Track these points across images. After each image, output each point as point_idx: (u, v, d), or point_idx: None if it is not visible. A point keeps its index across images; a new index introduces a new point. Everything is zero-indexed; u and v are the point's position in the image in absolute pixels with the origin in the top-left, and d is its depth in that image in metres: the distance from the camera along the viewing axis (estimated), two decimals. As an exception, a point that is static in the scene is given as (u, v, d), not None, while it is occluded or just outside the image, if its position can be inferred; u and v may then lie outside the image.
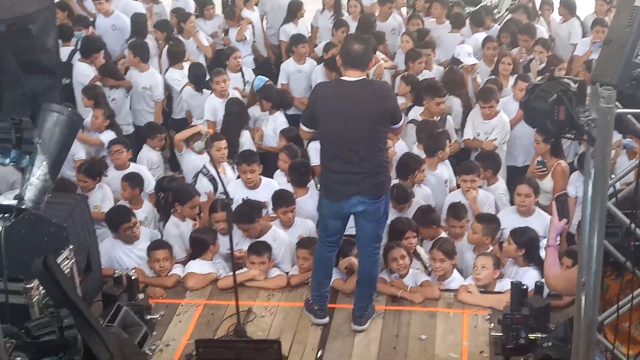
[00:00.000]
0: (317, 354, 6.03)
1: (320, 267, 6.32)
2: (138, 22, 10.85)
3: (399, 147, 8.12)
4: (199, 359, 5.03)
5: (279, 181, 7.85)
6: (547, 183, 7.77)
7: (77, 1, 12.35)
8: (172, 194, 7.45)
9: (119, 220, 7.01)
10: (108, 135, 8.64)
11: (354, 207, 5.91)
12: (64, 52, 9.87)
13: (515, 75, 9.33)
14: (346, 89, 5.80)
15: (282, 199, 7.30)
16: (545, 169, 7.89)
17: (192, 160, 8.25)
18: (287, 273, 6.93)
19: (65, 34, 10.16)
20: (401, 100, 9.29)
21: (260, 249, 6.87)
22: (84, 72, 9.71)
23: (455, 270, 6.75)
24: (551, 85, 3.77)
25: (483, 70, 9.92)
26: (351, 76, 5.79)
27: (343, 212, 5.98)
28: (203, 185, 7.93)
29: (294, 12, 11.36)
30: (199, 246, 6.98)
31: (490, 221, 6.91)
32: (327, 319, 6.35)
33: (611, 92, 3.42)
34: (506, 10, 12.63)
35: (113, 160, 8.10)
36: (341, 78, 5.88)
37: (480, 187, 7.61)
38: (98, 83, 9.55)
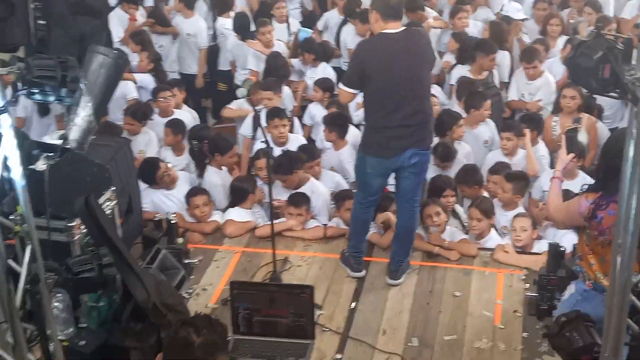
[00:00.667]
0: (350, 305, 6.08)
1: (359, 225, 6.34)
2: None
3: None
4: (232, 300, 5.10)
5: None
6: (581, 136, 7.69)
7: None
8: (211, 144, 7.47)
9: (151, 171, 7.05)
10: (143, 77, 8.68)
11: (408, 160, 5.87)
12: None
13: (566, 38, 9.18)
14: (392, 41, 5.73)
15: (306, 153, 7.36)
16: (579, 125, 7.84)
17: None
18: (324, 225, 6.96)
19: None
20: (449, 58, 9.24)
21: (299, 200, 6.91)
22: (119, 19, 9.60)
23: (492, 230, 6.72)
24: (597, 42, 3.71)
25: (532, 29, 9.77)
26: (393, 28, 5.73)
27: (394, 167, 5.94)
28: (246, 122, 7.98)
29: None
30: (239, 194, 7.04)
31: (519, 179, 6.86)
32: (363, 273, 6.38)
33: (659, 50, 3.36)
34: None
35: (157, 106, 8.15)
36: (383, 32, 5.78)
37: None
38: (146, 28, 9.59)
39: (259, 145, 7.55)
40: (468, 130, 7.79)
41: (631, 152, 3.57)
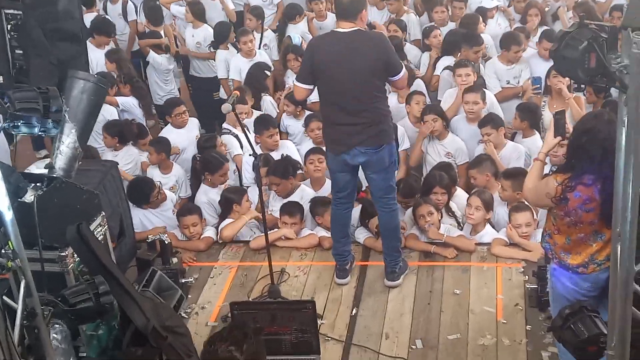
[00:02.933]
0: (351, 311, 6.04)
1: (336, 226, 6.33)
2: None
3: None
4: (233, 321, 5.06)
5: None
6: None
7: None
8: (202, 164, 7.46)
9: (145, 192, 7.05)
10: (125, 101, 8.66)
11: (356, 158, 5.91)
12: (88, 18, 9.85)
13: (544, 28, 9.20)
14: (341, 39, 5.76)
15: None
16: (539, 87, 8.05)
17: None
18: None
19: (88, 1, 10.18)
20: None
21: (293, 209, 6.89)
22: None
23: (488, 225, 6.70)
24: (581, 32, 3.68)
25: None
26: (343, 27, 5.76)
27: (347, 164, 5.97)
28: (231, 142, 7.93)
29: None
30: (227, 205, 7.01)
31: (517, 176, 6.74)
32: (347, 279, 6.36)
33: (644, 37, 3.33)
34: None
35: (174, 123, 8.26)
36: (334, 30, 5.89)
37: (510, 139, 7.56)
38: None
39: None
40: (466, 125, 7.77)
41: (623, 140, 3.54)
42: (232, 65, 9.32)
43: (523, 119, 7.60)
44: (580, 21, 3.80)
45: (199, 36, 9.87)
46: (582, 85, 4.34)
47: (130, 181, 7.36)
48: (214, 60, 9.66)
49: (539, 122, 7.78)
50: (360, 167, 6.04)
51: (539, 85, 8.29)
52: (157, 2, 10.58)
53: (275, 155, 7.45)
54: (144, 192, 7.03)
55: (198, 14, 9.99)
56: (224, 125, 8.12)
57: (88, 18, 9.80)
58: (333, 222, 6.33)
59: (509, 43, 8.52)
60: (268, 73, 8.69)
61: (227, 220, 6.99)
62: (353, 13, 5.76)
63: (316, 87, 5.95)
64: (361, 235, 6.77)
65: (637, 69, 3.33)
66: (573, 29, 3.77)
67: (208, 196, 7.29)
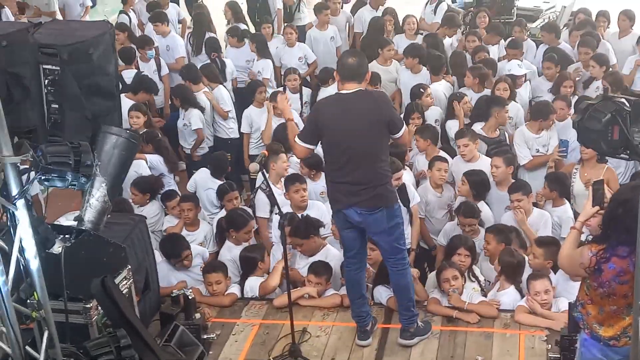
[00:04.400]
0: (372, 374, 6.02)
1: (350, 287, 6.35)
2: None
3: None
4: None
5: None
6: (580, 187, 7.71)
7: (137, 24, 12.65)
8: (227, 221, 7.50)
9: (177, 249, 7.09)
10: (152, 158, 8.63)
11: (353, 217, 5.97)
12: (128, 74, 10.14)
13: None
14: (345, 101, 5.88)
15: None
16: (565, 150, 8.13)
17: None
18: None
19: (127, 57, 10.42)
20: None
21: (320, 270, 6.87)
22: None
23: (512, 287, 6.67)
24: (605, 104, 3.75)
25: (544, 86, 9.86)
26: (348, 89, 5.86)
27: (348, 220, 6.02)
28: (261, 201, 7.93)
29: None
30: (251, 263, 7.05)
31: (550, 244, 6.68)
32: (368, 341, 6.34)
33: (666, 111, 3.38)
34: (564, 26, 12.49)
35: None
36: (339, 92, 6.00)
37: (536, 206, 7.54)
38: None
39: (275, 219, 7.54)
40: (494, 190, 7.79)
41: (644, 211, 3.56)
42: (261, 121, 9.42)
43: (552, 189, 7.57)
44: (604, 94, 3.86)
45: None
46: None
47: (166, 235, 7.46)
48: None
49: (569, 191, 7.76)
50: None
51: (565, 148, 8.29)
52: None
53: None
54: (176, 248, 7.09)
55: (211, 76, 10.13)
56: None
57: (127, 75, 10.09)
58: (347, 283, 6.35)
59: (544, 114, 8.50)
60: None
61: (255, 279, 7.00)
62: (359, 74, 5.89)
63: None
64: (383, 295, 6.76)
65: (659, 143, 3.37)
66: (597, 101, 3.83)
67: (232, 253, 7.31)
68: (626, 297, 4.43)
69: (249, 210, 7.80)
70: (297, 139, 6.09)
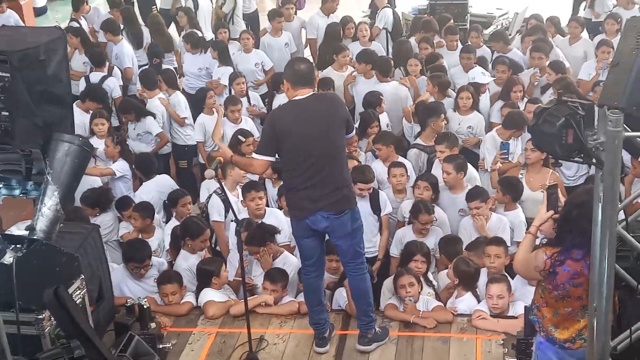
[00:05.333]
0: (330, 381, 6.00)
1: (309, 294, 6.34)
2: None
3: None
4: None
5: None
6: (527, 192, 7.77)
7: (89, 31, 12.51)
8: (182, 229, 7.40)
9: (137, 255, 7.01)
10: (120, 166, 8.57)
11: (319, 223, 5.95)
12: (96, 76, 10.17)
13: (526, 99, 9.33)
14: (301, 105, 5.90)
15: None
16: (506, 152, 8.23)
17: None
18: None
19: (97, 60, 10.44)
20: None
21: (276, 276, 6.84)
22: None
23: (469, 293, 6.70)
24: (559, 108, 3.78)
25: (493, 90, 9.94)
26: (302, 94, 5.89)
27: (310, 229, 6.00)
28: (215, 205, 7.84)
29: None
30: (206, 277, 6.95)
31: (502, 243, 6.87)
32: (326, 348, 6.32)
33: (619, 115, 3.42)
34: (517, 32, 12.65)
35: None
36: (292, 99, 5.97)
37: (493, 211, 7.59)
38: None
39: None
40: (448, 194, 7.80)
41: (599, 215, 3.60)
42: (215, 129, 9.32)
43: (505, 193, 7.64)
44: (558, 97, 3.89)
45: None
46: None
47: (133, 240, 7.38)
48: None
49: (521, 195, 7.81)
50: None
51: (505, 151, 8.36)
52: (150, 68, 10.75)
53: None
54: (139, 253, 7.01)
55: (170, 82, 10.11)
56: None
57: (96, 77, 10.16)
58: (305, 291, 6.33)
59: (517, 124, 8.46)
60: (242, 139, 8.66)
61: (210, 292, 6.90)
62: (311, 80, 5.98)
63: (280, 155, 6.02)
64: (342, 299, 6.75)
65: (612, 146, 3.41)
66: (551, 105, 3.86)
67: (188, 262, 7.22)
68: (580, 299, 4.48)
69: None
70: (254, 155, 6.07)
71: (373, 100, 9.30)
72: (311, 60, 10.21)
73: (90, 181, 7.97)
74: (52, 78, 5.06)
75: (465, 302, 6.66)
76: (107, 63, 10.66)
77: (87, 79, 10.26)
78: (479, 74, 9.89)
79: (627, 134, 3.48)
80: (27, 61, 4.87)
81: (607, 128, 3.45)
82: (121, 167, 8.50)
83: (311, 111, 5.85)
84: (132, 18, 12.25)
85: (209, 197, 7.91)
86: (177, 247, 7.51)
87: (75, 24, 12.37)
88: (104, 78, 10.29)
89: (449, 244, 7.19)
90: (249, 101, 10.19)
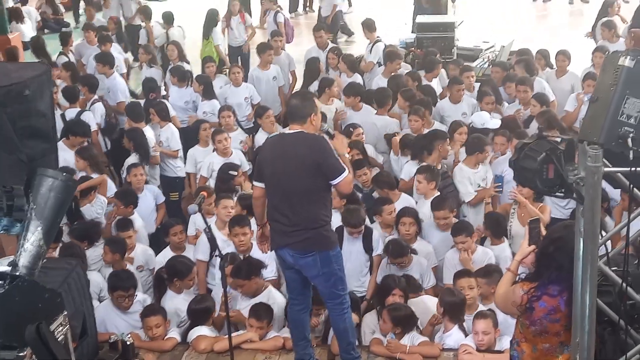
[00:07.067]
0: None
1: (293, 328, 6.34)
2: None
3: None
4: None
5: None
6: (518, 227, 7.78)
7: (78, 65, 12.55)
8: (169, 270, 7.36)
9: (123, 284, 7.01)
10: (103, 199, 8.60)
11: (287, 258, 6.03)
12: (71, 113, 10.16)
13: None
14: (284, 142, 6.02)
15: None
16: (501, 185, 8.32)
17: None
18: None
19: (71, 96, 10.44)
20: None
21: (261, 313, 6.80)
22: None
23: (456, 327, 6.68)
24: (540, 144, 3.80)
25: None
26: (292, 129, 5.98)
27: (289, 262, 6.04)
28: (202, 243, 7.76)
29: None
30: (201, 315, 6.94)
31: (490, 274, 6.88)
32: None
33: (598, 151, 3.44)
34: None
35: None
36: (282, 132, 6.12)
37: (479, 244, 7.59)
38: None
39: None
40: (437, 232, 7.81)
41: (580, 250, 3.61)
42: (205, 162, 9.33)
43: (487, 228, 7.67)
44: (539, 133, 3.92)
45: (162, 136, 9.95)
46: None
47: (120, 270, 7.31)
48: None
49: (504, 233, 7.81)
50: None
51: (500, 183, 8.43)
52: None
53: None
54: (125, 283, 7.02)
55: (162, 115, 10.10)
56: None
57: (70, 114, 10.11)
58: (290, 324, 6.33)
59: (478, 146, 8.61)
60: (234, 173, 8.65)
61: (202, 328, 6.87)
62: (302, 116, 5.95)
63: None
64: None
65: (592, 181, 3.43)
66: (532, 140, 3.88)
67: (174, 304, 7.17)
68: (559, 335, 4.46)
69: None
70: (252, 181, 6.27)
71: (346, 132, 9.27)
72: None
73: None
74: (37, 113, 5.04)
75: (452, 337, 6.63)
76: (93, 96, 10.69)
77: (62, 117, 10.15)
78: (487, 120, 9.72)
79: (606, 169, 3.50)
80: (11, 96, 4.86)
81: (587, 163, 3.47)
82: (104, 200, 8.52)
83: (290, 150, 5.88)
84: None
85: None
86: (162, 290, 7.46)
87: (64, 58, 12.44)
88: (79, 113, 10.25)
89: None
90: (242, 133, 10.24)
